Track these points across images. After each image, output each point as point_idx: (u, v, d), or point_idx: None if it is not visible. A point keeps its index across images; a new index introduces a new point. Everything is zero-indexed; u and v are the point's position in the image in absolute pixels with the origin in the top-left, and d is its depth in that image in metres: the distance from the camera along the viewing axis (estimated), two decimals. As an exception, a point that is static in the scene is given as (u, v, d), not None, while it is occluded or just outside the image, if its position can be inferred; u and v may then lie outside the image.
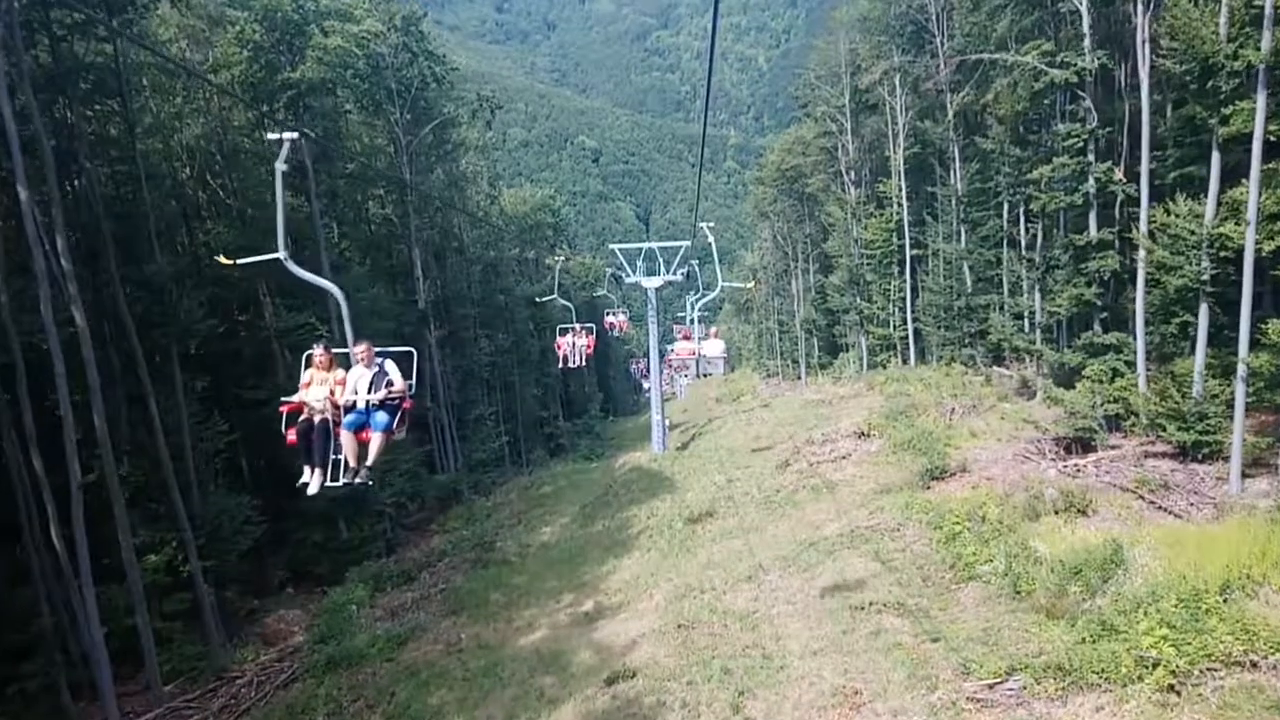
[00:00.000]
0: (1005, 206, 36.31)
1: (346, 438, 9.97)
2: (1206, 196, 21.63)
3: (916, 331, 46.58)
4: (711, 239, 38.59)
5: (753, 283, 75.46)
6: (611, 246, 47.41)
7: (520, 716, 16.63)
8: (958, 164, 41.00)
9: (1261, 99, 19.26)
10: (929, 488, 24.53)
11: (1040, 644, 13.98)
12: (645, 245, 44.65)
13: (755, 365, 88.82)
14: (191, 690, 22.28)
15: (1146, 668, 12.17)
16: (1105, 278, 26.40)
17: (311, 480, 10.04)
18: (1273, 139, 19.46)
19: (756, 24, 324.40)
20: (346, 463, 10.04)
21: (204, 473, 27.16)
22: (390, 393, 10.25)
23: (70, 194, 24.77)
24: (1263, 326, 19.26)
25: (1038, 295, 32.74)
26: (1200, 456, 21.84)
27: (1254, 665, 11.87)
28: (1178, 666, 11.97)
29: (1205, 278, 21.37)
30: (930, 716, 12.68)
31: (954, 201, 41.10)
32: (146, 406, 24.35)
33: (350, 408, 10.13)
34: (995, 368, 38.64)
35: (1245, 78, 20.34)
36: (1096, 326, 26.54)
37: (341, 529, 32.29)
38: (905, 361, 47.27)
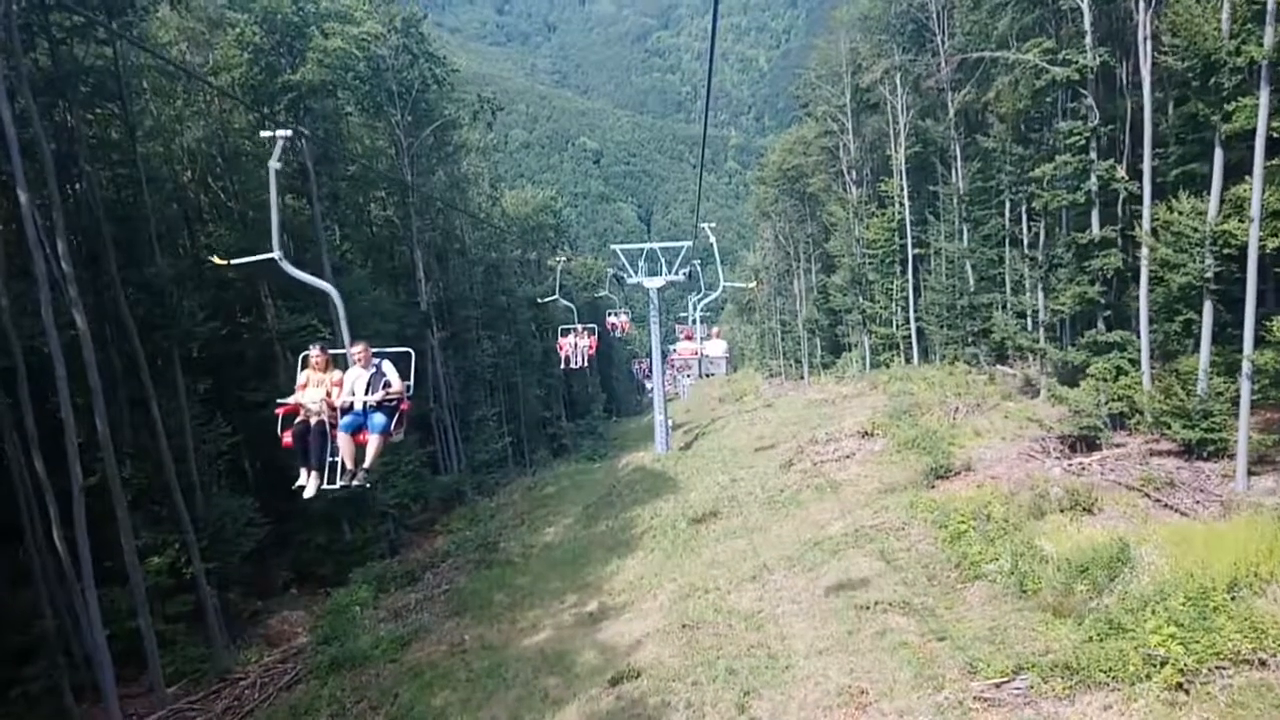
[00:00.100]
0: (1007, 205, 36.20)
1: (343, 440, 9.80)
2: (1209, 194, 21.51)
3: (919, 331, 46.48)
4: (713, 239, 38.54)
5: (755, 283, 75.37)
6: (613, 247, 47.41)
7: (524, 717, 16.59)
8: (959, 163, 40.90)
9: (1264, 95, 19.15)
10: (933, 487, 24.48)
11: (1047, 643, 13.90)
12: (647, 246, 44.66)
13: (758, 365, 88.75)
14: (195, 692, 22.26)
15: (1154, 666, 12.10)
16: (1108, 276, 26.30)
17: (308, 483, 9.89)
18: (1276, 135, 19.33)
19: (757, 24, 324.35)
20: (344, 465, 9.87)
21: (206, 475, 27.16)
22: (388, 394, 10.07)
23: (71, 197, 24.78)
24: (1267, 324, 19.16)
25: (1041, 294, 32.65)
26: (1205, 454, 21.72)
27: (1263, 663, 11.79)
28: (1186, 665, 11.89)
29: (1209, 275, 21.25)
30: (937, 716, 12.61)
31: (956, 200, 40.99)
32: (148, 409, 24.33)
33: (347, 409, 9.96)
34: (999, 366, 38.53)
35: (1248, 74, 20.22)
36: (1100, 324, 26.45)
37: (345, 530, 32.29)
38: (908, 361, 47.15)
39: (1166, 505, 19.53)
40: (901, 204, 46.04)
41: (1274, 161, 19.55)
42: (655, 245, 44.33)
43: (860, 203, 51.71)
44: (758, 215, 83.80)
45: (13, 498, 19.71)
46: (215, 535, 26.07)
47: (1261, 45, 18.97)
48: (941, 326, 42.56)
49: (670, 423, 46.53)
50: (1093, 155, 26.26)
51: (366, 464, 9.90)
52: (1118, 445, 24.59)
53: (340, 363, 10.40)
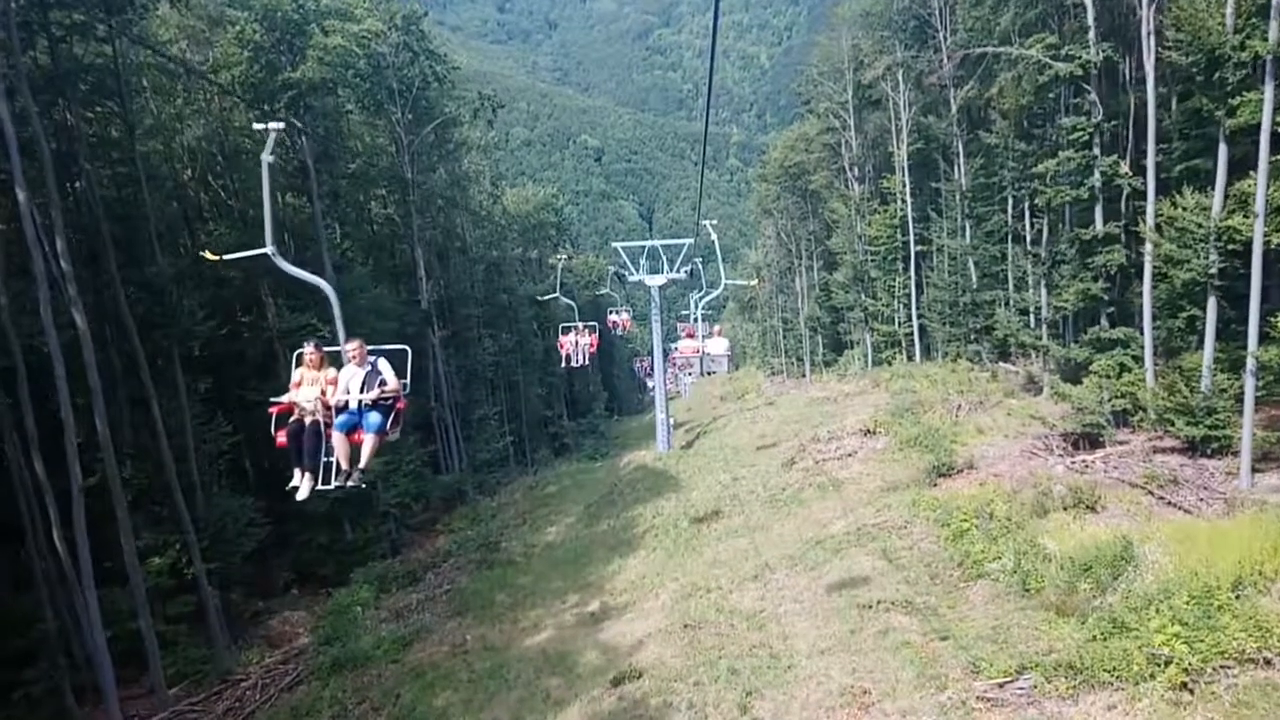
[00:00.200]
0: (1010, 201, 36.10)
1: (338, 439, 9.63)
2: (1213, 189, 21.38)
3: (921, 328, 46.38)
4: (714, 237, 38.52)
5: (756, 280, 75.43)
6: (614, 245, 47.33)
7: (526, 718, 16.54)
8: (962, 159, 40.79)
9: (1269, 90, 19.02)
10: (936, 485, 24.39)
11: (1050, 642, 13.83)
12: (648, 243, 44.58)
13: (759, 363, 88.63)
14: (196, 693, 22.23)
15: (1159, 666, 12.02)
16: (1112, 272, 26.18)
17: (301, 484, 9.72)
18: (1280, 130, 19.26)
19: (758, 21, 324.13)
20: (338, 465, 9.69)
21: (207, 475, 27.12)
22: (383, 392, 9.87)
23: (71, 196, 24.73)
24: (1272, 319, 19.06)
25: (1044, 290, 32.53)
26: (1209, 451, 21.62)
27: (1268, 663, 11.72)
28: (1190, 664, 11.81)
29: (1213, 271, 21.12)
30: (940, 716, 12.54)
31: (958, 197, 40.87)
32: (149, 409, 24.29)
33: (342, 408, 9.78)
34: (1001, 364, 38.43)
35: (1252, 69, 20.11)
36: (1103, 321, 26.34)
37: (346, 530, 32.26)
38: (910, 358, 47.07)
39: (1170, 503, 19.43)
40: (904, 201, 45.91)
41: (1279, 156, 19.43)
42: (657, 243, 44.26)
43: (862, 199, 51.62)
44: (759, 213, 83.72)
45: (13, 499, 19.68)
46: (216, 535, 26.02)
47: (1266, 40, 18.86)
48: (944, 324, 42.46)
49: (672, 421, 46.49)
50: (1096, 151, 26.13)
51: (362, 464, 9.72)
52: (1121, 443, 24.48)
53: (335, 360, 10.20)
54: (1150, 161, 24.19)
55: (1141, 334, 24.78)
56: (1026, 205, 34.37)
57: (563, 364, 42.39)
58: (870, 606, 16.89)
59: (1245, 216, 19.80)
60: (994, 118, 35.39)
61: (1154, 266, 23.73)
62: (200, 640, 24.63)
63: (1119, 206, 26.38)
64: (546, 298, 49.70)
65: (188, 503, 24.79)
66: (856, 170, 53.01)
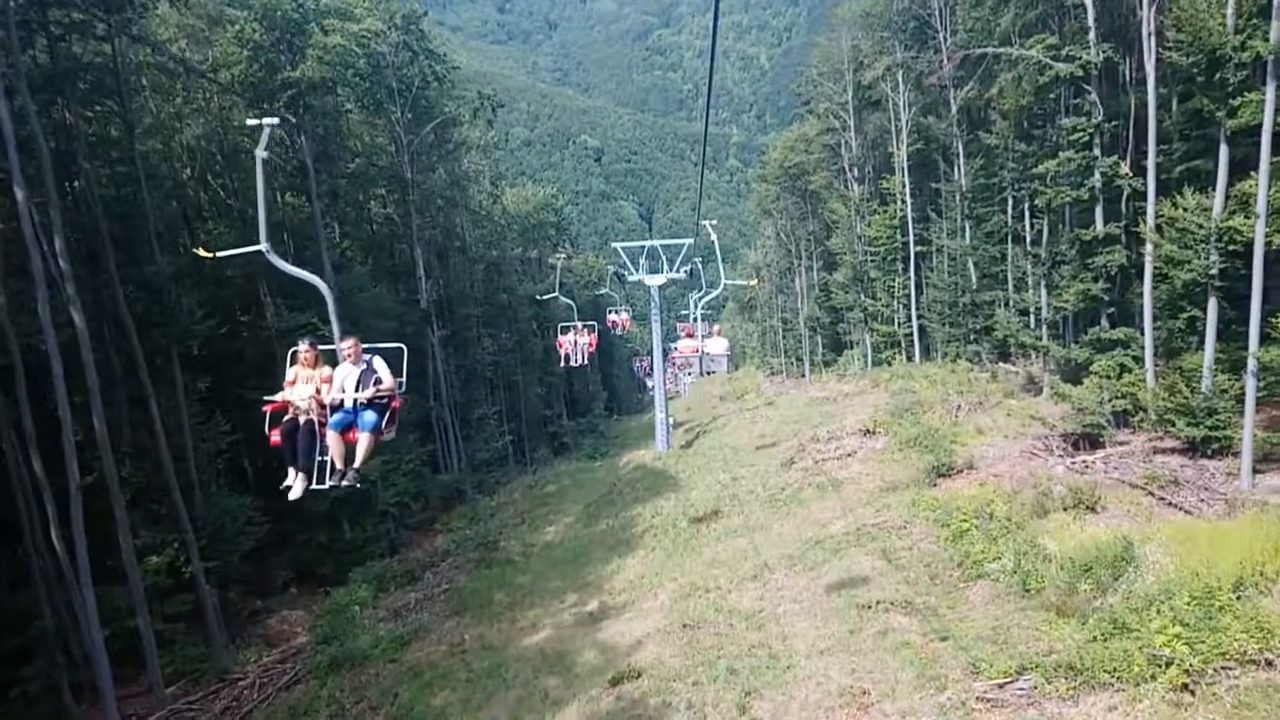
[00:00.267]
0: (1010, 202, 36.07)
1: (333, 438, 9.53)
2: (1214, 190, 21.37)
3: (921, 328, 46.35)
4: (714, 237, 38.48)
5: (756, 280, 75.37)
6: (614, 245, 47.31)
7: (524, 718, 16.51)
8: (962, 160, 40.76)
9: (1271, 90, 18.99)
10: (935, 485, 24.37)
11: (1051, 643, 13.81)
12: (648, 243, 44.56)
13: (759, 363, 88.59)
14: (194, 692, 22.18)
15: (1159, 667, 12.00)
16: (1112, 273, 26.16)
17: (294, 484, 9.61)
18: (1281, 131, 19.22)
19: (758, 22, 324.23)
20: (333, 464, 9.59)
21: (206, 473, 27.07)
22: (378, 391, 9.76)
23: (70, 195, 24.68)
24: (1273, 320, 19.04)
25: (1044, 291, 32.49)
26: (1210, 452, 21.59)
27: (1269, 664, 11.69)
28: (1191, 665, 11.79)
29: (1213, 272, 21.09)
30: (940, 717, 12.52)
31: (958, 197, 40.83)
32: (147, 407, 24.25)
33: (337, 407, 9.69)
34: (1001, 364, 38.41)
35: (1253, 69, 20.12)
36: (1104, 322, 26.31)
37: (345, 529, 32.22)
38: (910, 359, 47.04)
39: (1171, 504, 19.40)
40: (903, 201, 45.88)
41: (1280, 157, 19.43)
42: (656, 243, 44.23)
43: (862, 200, 51.58)
44: (759, 213, 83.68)
45: (11, 497, 19.61)
46: (214, 534, 25.98)
47: (1267, 40, 18.84)
48: (943, 324, 42.43)
49: (671, 421, 46.46)
50: (1096, 152, 26.11)
51: (356, 463, 9.62)
52: (1121, 443, 24.46)
53: (330, 359, 10.10)
54: (1151, 162, 24.16)
55: (1142, 334, 24.76)
56: (1026, 206, 34.34)
57: (562, 363, 42.35)
58: (870, 607, 16.87)
59: (1246, 217, 19.77)
60: (994, 118, 35.36)
61: (1154, 267, 23.70)
62: (198, 639, 24.58)
63: (1119, 207, 26.35)
64: (546, 297, 49.66)
65: (186, 501, 24.74)
66: (856, 171, 52.97)
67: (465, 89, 54.40)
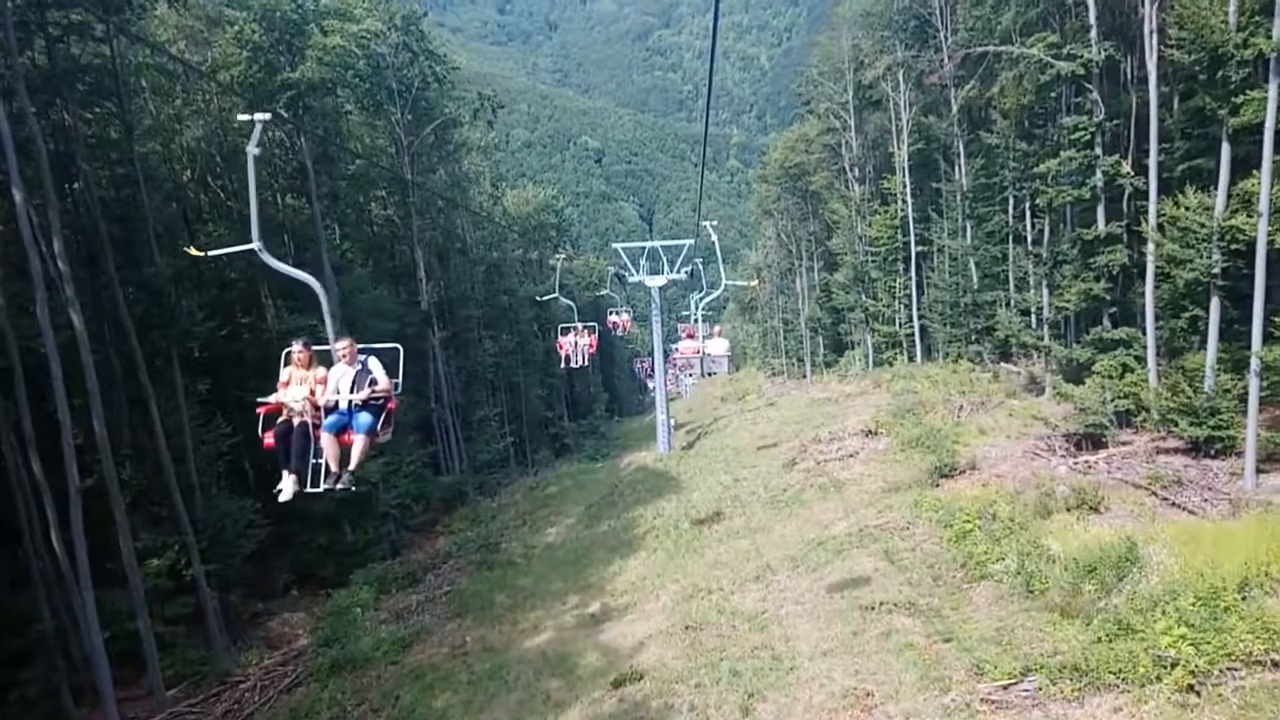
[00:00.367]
0: (1011, 201, 36.04)
1: (327, 440, 9.29)
2: (1216, 189, 21.31)
3: (922, 328, 46.30)
4: (715, 237, 38.44)
5: (757, 281, 75.37)
6: (615, 246, 47.30)
7: (526, 720, 16.44)
8: (963, 159, 40.74)
9: (1273, 88, 18.92)
10: (938, 485, 24.30)
11: (1055, 644, 13.71)
12: (648, 244, 44.54)
13: (760, 364, 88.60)
14: (195, 695, 22.09)
15: (1165, 668, 11.90)
16: (1114, 272, 26.13)
17: (284, 485, 9.37)
18: (1284, 129, 19.15)
19: (758, 22, 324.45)
20: (327, 467, 9.36)
21: (206, 476, 26.98)
22: (374, 392, 9.57)
23: (69, 196, 24.61)
24: (1276, 320, 19.03)
25: (1045, 290, 32.42)
26: (1213, 452, 21.53)
27: (1275, 665, 11.57)
28: (1197, 666, 11.69)
29: (1216, 271, 21.03)
30: (944, 718, 12.42)
31: (959, 197, 40.81)
32: (147, 409, 24.17)
33: (331, 408, 9.49)
34: (1003, 364, 38.36)
35: (1255, 67, 20.07)
36: (1106, 321, 26.27)
37: (346, 531, 32.17)
38: (911, 359, 47.01)
39: (1174, 504, 19.34)
40: (904, 201, 45.84)
41: (1282, 155, 19.35)
42: (657, 244, 44.21)
43: (863, 200, 51.55)
44: (760, 213, 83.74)
45: (10, 499, 19.56)
46: (215, 537, 25.90)
47: (1270, 38, 18.78)
48: (945, 324, 42.37)
49: (672, 422, 46.40)
50: (1098, 151, 26.06)
51: (351, 466, 9.42)
52: (1124, 443, 24.40)
53: (325, 359, 9.90)
54: (1152, 161, 24.12)
55: (1144, 334, 24.72)
56: (1028, 205, 34.30)
57: (562, 365, 42.28)
58: (873, 608, 16.77)
59: (1249, 216, 19.71)
60: (995, 118, 35.33)
61: (1156, 266, 23.67)
62: (199, 641, 24.51)
63: (1121, 206, 26.31)
64: (546, 298, 49.59)
65: (186, 504, 24.67)
66: (857, 171, 52.95)
67: (465, 90, 54.41)
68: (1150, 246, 23.73)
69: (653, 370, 56.09)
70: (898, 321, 48.90)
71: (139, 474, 24.57)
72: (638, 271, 43.93)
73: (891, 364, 47.59)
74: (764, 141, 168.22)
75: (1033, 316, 34.81)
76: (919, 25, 43.13)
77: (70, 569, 19.70)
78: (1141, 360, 24.68)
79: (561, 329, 40.32)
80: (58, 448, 19.48)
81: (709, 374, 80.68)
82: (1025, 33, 29.95)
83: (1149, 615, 13.18)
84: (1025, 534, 18.54)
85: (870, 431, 32.02)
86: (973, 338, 40.47)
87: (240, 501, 27.76)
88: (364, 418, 9.51)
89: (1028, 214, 34.66)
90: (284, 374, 9.81)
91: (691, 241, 42.22)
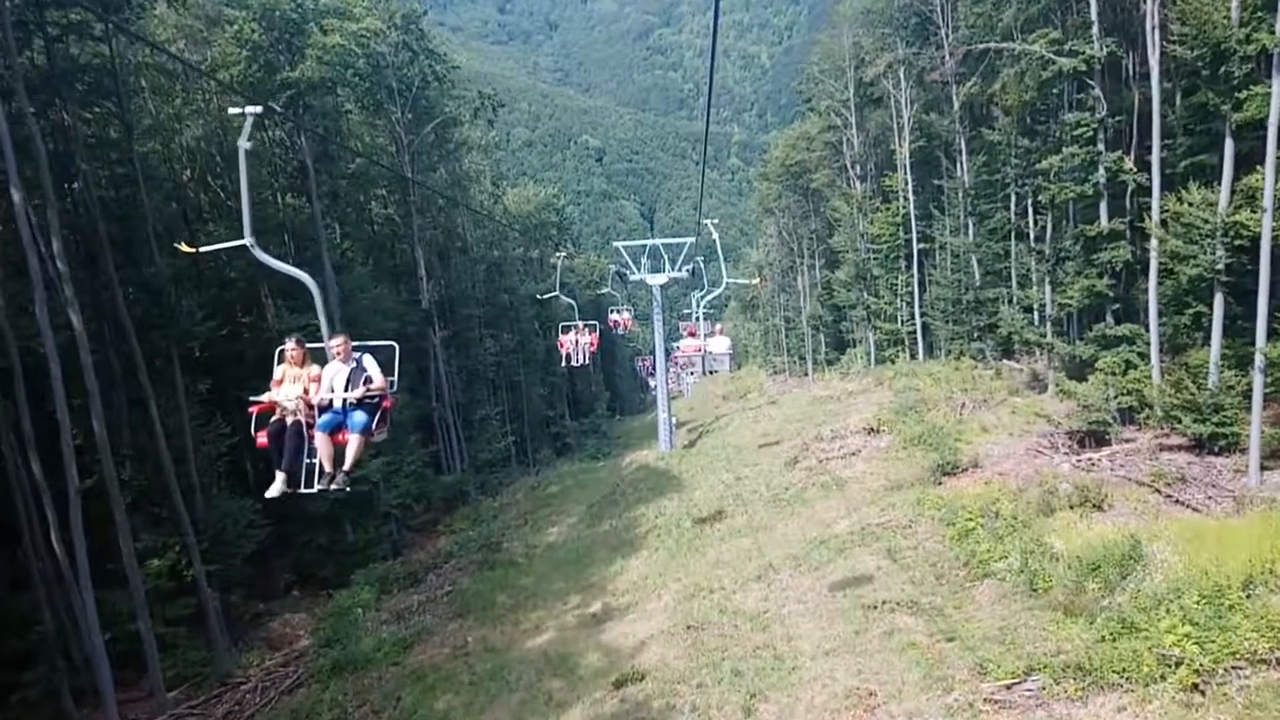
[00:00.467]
0: (1013, 198, 35.93)
1: (321, 440, 9.10)
2: (1220, 184, 21.22)
3: (924, 326, 46.18)
4: (716, 236, 38.33)
5: (758, 279, 75.26)
6: (616, 244, 47.30)
7: (527, 721, 16.39)
8: (964, 156, 40.62)
9: (1277, 84, 18.84)
10: (941, 484, 24.24)
11: (1058, 643, 13.66)
12: (650, 242, 44.50)
13: (761, 362, 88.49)
14: (196, 696, 22.05)
15: (1169, 666, 11.85)
16: (1117, 269, 26.04)
17: (275, 484, 9.16)
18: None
19: (759, 21, 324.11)
20: (321, 467, 9.15)
21: (207, 476, 26.90)
22: (369, 390, 9.32)
23: (68, 197, 24.54)
24: (1280, 315, 18.94)
25: (1048, 287, 32.29)
26: (1217, 449, 21.44)
27: (1280, 663, 11.54)
28: (1201, 665, 11.65)
29: (1219, 267, 20.96)
30: (947, 718, 12.37)
31: (961, 194, 40.69)
32: (147, 409, 24.10)
33: (325, 407, 9.27)
34: (1005, 361, 38.25)
35: (1258, 62, 19.99)
36: (1109, 318, 26.18)
37: (347, 531, 32.11)
38: (913, 356, 46.89)
39: (1178, 501, 19.26)
40: (906, 198, 45.70)
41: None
42: (658, 242, 44.17)
43: (864, 198, 51.42)
44: (761, 212, 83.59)
45: (10, 500, 19.51)
46: (216, 537, 25.83)
47: (1273, 33, 18.72)
48: (947, 322, 42.26)
49: (674, 421, 46.32)
50: (1100, 147, 25.98)
51: (346, 466, 9.20)
52: (1127, 440, 24.30)
53: (319, 357, 9.68)
54: (1155, 157, 24.05)
55: (1147, 330, 24.65)
56: (1030, 202, 34.17)
57: (563, 363, 42.20)
58: (875, 607, 16.73)
59: (1253, 211, 19.63)
60: (996, 114, 35.20)
61: (1160, 263, 23.59)
62: (200, 642, 24.45)
63: (1123, 203, 26.22)
64: (546, 296, 49.52)
65: (187, 504, 24.61)
66: (858, 168, 52.81)
67: (466, 89, 54.38)
68: (1153, 243, 23.65)
69: (654, 369, 56.06)
70: (899, 319, 48.78)
71: (139, 474, 24.52)
72: (639, 270, 43.88)
73: (893, 362, 47.49)
74: (765, 140, 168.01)
75: (1035, 313, 34.68)
76: (920, 22, 43.01)
77: (70, 570, 19.64)
78: (1145, 357, 24.61)
79: (562, 327, 40.23)
80: (57, 448, 19.42)
81: (710, 372, 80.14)
82: (1027, 29, 29.83)
83: (1153, 614, 13.14)
84: (1028, 532, 18.49)
85: (872, 429, 31.95)
86: (975, 335, 40.37)
87: (241, 501, 27.67)
88: (359, 416, 9.30)
89: (1030, 211, 34.52)
90: (277, 372, 9.66)
91: (693, 239, 42.16)
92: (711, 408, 62.84)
